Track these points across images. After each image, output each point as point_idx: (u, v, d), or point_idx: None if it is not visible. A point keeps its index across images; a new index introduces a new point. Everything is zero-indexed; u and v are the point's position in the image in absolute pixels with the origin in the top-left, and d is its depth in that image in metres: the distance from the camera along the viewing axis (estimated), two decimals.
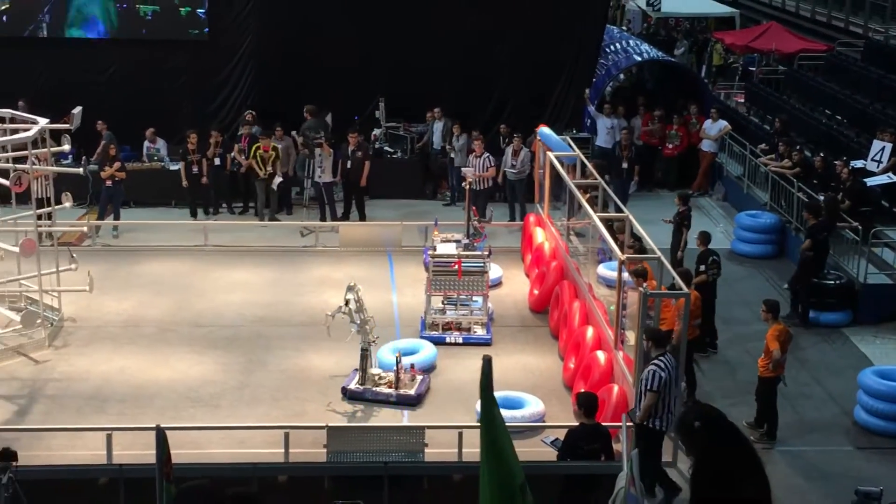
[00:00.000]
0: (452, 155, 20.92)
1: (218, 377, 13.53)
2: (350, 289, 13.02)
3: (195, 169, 19.94)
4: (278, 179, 19.74)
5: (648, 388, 10.81)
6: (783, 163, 19.64)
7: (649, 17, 36.38)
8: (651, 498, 10.84)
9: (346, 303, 12.94)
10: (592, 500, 9.86)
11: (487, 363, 4.83)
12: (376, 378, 12.99)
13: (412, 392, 12.78)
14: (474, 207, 17.44)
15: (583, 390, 10.59)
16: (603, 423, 10.60)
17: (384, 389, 12.85)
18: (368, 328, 13.00)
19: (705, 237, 15.04)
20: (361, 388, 12.91)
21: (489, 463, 4.69)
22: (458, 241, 15.96)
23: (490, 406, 4.77)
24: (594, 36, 22.44)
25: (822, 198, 17.09)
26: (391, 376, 12.90)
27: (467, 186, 16.99)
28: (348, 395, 12.89)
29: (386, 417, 12.45)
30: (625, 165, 20.41)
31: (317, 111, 20.99)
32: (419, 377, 13.09)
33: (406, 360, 13.33)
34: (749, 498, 3.90)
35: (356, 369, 13.01)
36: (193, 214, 20.07)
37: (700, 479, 4.09)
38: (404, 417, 12.53)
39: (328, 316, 12.92)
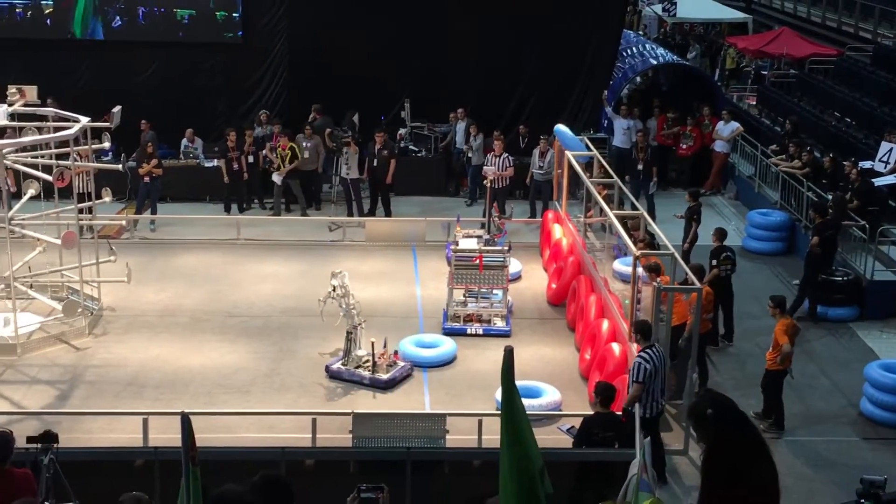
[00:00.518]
0: (470, 154, 20.93)
1: (249, 365, 13.59)
2: (335, 275, 13.25)
3: (235, 166, 20.00)
4: (278, 177, 19.70)
5: (634, 379, 10.87)
6: (793, 163, 19.53)
7: (665, 23, 36.24)
8: (662, 484, 10.83)
9: (333, 289, 13.15)
10: (606, 485, 9.86)
11: (509, 353, 4.84)
12: (360, 360, 13.14)
13: (384, 376, 12.92)
14: (495, 204, 17.44)
15: (601, 380, 10.59)
16: (617, 413, 10.58)
17: (361, 371, 13.03)
18: (354, 312, 13.21)
19: (721, 234, 14.96)
20: (343, 368, 13.13)
21: (510, 448, 4.70)
22: (479, 237, 15.96)
23: (511, 394, 4.78)
24: (611, 40, 22.37)
25: (830, 197, 16.99)
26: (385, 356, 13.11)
27: (488, 184, 16.99)
28: (329, 374, 13.17)
29: (410, 405, 12.46)
30: (640, 167, 20.29)
31: (323, 110, 21.13)
32: (400, 363, 13.19)
33: (426, 353, 13.51)
34: (757, 484, 3.89)
35: (342, 350, 13.15)
36: (227, 210, 20.14)
37: (711, 464, 4.09)
38: (426, 405, 12.56)
39: (320, 301, 13.19)
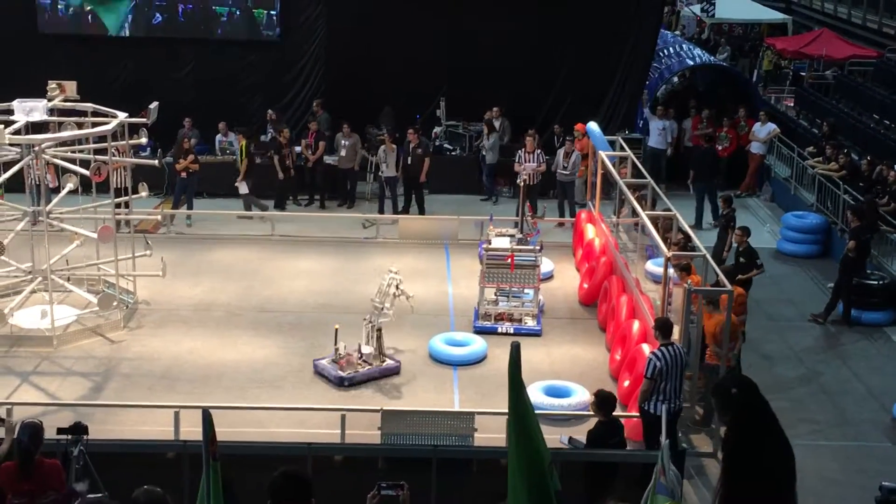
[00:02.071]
0: (484, 153, 20.92)
1: (281, 360, 13.63)
2: (392, 274, 13.33)
3: (287, 162, 20.11)
4: (242, 186, 19.65)
5: (645, 375, 10.82)
6: (830, 165, 19.32)
7: (703, 23, 35.95)
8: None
9: (397, 286, 13.20)
10: (619, 486, 9.89)
11: (516, 349, 4.86)
12: (355, 359, 13.10)
13: (343, 374, 12.85)
14: (529, 203, 17.37)
15: (600, 391, 10.46)
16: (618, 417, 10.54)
17: (329, 366, 13.04)
18: (390, 312, 13.23)
19: (747, 232, 14.92)
20: (324, 362, 13.14)
21: (518, 444, 4.69)
22: (511, 236, 15.90)
23: (519, 390, 4.78)
24: (648, 40, 22.22)
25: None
26: (352, 357, 13.04)
27: (522, 183, 16.93)
28: (315, 367, 13.24)
29: (440, 403, 12.43)
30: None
31: (324, 104, 21.29)
32: (372, 366, 13.04)
33: (457, 352, 13.52)
34: (774, 466, 3.89)
35: (336, 348, 13.08)
36: (282, 207, 20.25)
37: (732, 441, 4.11)
38: (455, 403, 12.53)
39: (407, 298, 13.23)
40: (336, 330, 13.13)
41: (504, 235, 15.95)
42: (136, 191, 15.20)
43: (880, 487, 5.15)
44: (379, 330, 13.23)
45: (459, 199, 21.07)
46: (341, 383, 12.87)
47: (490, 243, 15.28)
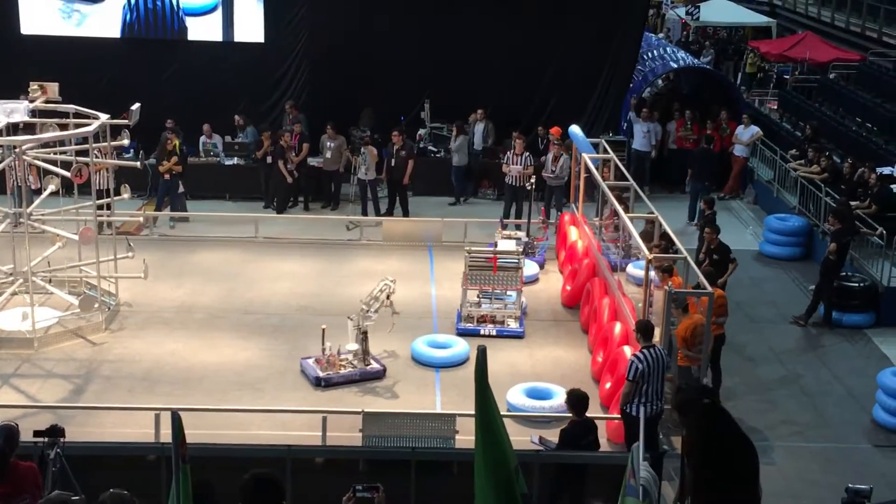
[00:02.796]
0: (450, 156, 20.95)
1: (263, 362, 13.60)
2: (386, 282, 13.30)
3: (290, 166, 20.16)
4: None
5: (627, 377, 10.83)
6: (812, 168, 19.39)
7: (688, 26, 36.07)
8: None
9: (388, 298, 13.21)
10: (590, 488, 9.90)
11: (482, 353, 4.86)
12: (337, 359, 13.14)
13: (321, 374, 12.89)
14: (543, 207, 17.33)
15: (573, 390, 10.44)
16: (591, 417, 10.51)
17: (311, 366, 13.09)
18: (371, 316, 13.24)
19: (718, 231, 15.02)
20: (309, 361, 13.19)
21: (485, 448, 4.69)
22: (518, 240, 15.90)
23: (485, 394, 4.78)
24: (633, 43, 22.26)
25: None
26: (337, 358, 13.11)
27: (511, 184, 16.96)
28: (301, 366, 13.29)
29: (422, 405, 12.42)
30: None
31: (297, 105, 21.35)
32: (355, 367, 13.07)
33: (439, 354, 13.54)
34: (741, 474, 3.91)
35: (323, 348, 13.13)
36: (282, 210, 20.26)
37: (691, 450, 4.15)
38: (437, 405, 12.53)
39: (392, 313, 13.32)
40: (323, 330, 13.13)
41: (511, 238, 15.95)
42: (118, 192, 15.14)
43: (846, 489, 5.17)
44: (364, 332, 13.22)
45: (444, 201, 21.10)
46: (318, 384, 12.89)
47: (497, 246, 15.31)
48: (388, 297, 13.28)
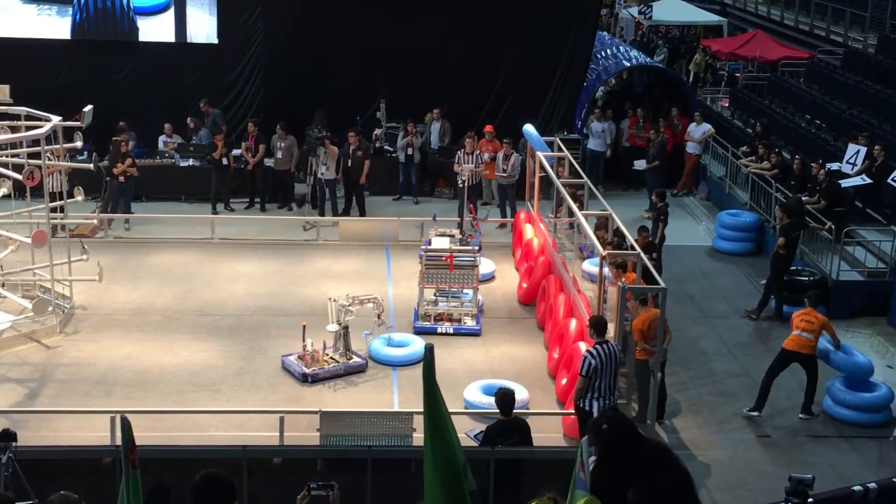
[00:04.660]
0: (395, 154, 21.00)
1: (220, 363, 13.55)
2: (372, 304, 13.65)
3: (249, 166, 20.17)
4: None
5: (580, 372, 10.90)
6: (762, 164, 19.62)
7: (641, 25, 36.33)
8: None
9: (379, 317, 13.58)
10: (523, 483, 9.95)
11: (430, 351, 4.88)
12: (321, 354, 13.26)
13: (307, 370, 13.00)
14: (472, 205, 17.42)
15: (500, 388, 10.47)
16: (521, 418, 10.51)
17: (295, 363, 13.20)
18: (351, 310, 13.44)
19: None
20: (291, 358, 13.28)
21: (433, 445, 4.71)
22: (452, 237, 15.92)
23: (433, 392, 4.80)
24: (586, 41, 22.38)
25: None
26: (318, 354, 13.23)
27: (462, 184, 17.00)
28: (283, 363, 13.39)
29: (380, 404, 12.44)
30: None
31: (212, 102, 21.39)
32: (338, 363, 13.19)
33: (396, 353, 13.64)
34: (661, 492, 3.95)
35: (304, 345, 13.25)
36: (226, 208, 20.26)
37: (598, 472, 4.23)
38: (395, 404, 12.55)
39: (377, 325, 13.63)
40: (304, 327, 13.22)
41: (445, 236, 15.96)
42: (71, 195, 14.98)
43: (789, 478, 5.24)
44: (346, 328, 13.29)
45: (400, 200, 21.11)
46: (305, 380, 12.97)
47: (430, 244, 15.31)
48: (379, 317, 13.54)
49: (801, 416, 12.81)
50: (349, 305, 13.36)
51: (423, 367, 4.96)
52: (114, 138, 19.04)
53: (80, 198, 15.13)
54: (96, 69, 21.41)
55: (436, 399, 4.80)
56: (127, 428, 4.61)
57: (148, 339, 14.19)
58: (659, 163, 21.02)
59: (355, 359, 13.38)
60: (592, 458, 4.23)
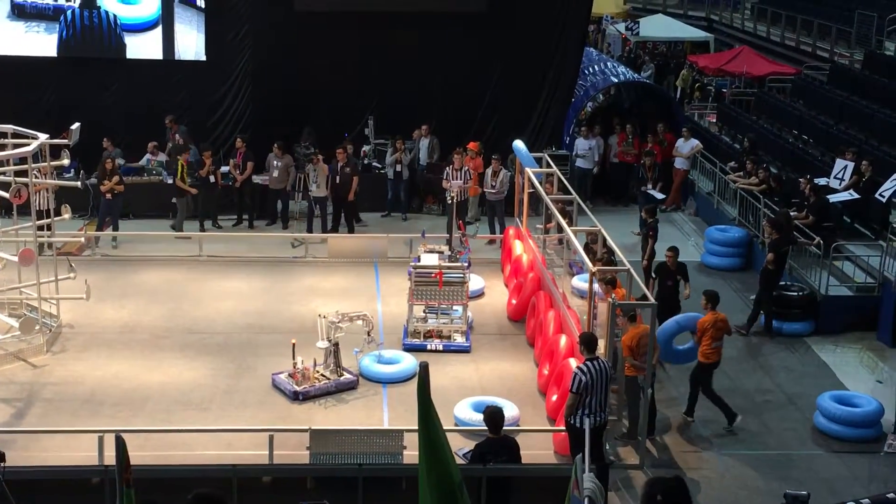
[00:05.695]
0: (384, 170, 21.05)
1: (208, 382, 13.50)
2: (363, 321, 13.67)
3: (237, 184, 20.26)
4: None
5: (570, 389, 10.89)
6: (750, 180, 19.70)
7: (628, 41, 36.51)
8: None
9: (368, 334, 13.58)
10: (514, 501, 9.90)
11: (424, 369, 4.86)
12: (312, 372, 13.25)
13: (298, 388, 12.98)
14: (460, 221, 17.44)
15: (488, 406, 10.44)
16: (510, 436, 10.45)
17: (285, 381, 13.19)
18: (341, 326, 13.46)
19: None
20: (281, 376, 13.27)
21: (428, 464, 4.70)
22: (440, 253, 15.91)
23: (428, 410, 4.78)
24: (574, 58, 22.47)
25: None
26: (308, 371, 13.22)
27: (450, 200, 17.01)
28: (273, 381, 13.37)
29: (370, 422, 12.41)
30: (649, 186, 20.60)
31: (174, 120, 21.25)
32: (329, 380, 13.19)
33: (386, 370, 13.60)
34: None
35: (294, 363, 13.25)
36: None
37: None
38: (385, 422, 12.52)
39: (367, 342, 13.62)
40: (294, 345, 13.18)
41: (434, 252, 15.96)
42: (58, 213, 14.94)
43: (784, 495, 5.25)
44: (336, 344, 13.27)
45: (389, 217, 21.12)
46: (296, 397, 12.92)
47: (419, 260, 15.31)
48: (368, 334, 13.54)
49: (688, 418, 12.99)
50: (339, 322, 13.36)
51: (417, 385, 4.94)
52: (104, 153, 19.00)
53: (67, 216, 15.08)
54: (83, 86, 21.39)
55: (431, 418, 4.79)
56: (122, 447, 4.59)
57: (136, 357, 14.14)
58: (663, 183, 21.08)
59: (346, 375, 13.37)
60: (588, 476, 4.22)
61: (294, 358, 13.16)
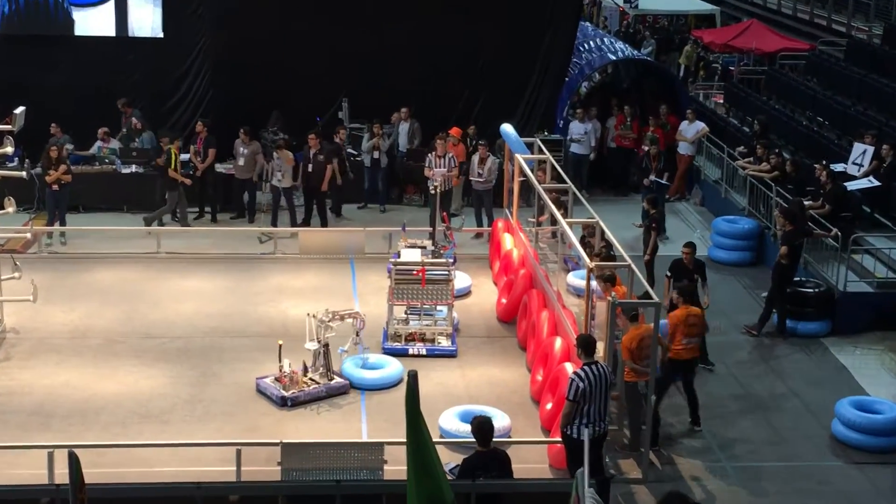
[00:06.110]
0: (360, 158, 21.06)
1: (168, 391, 13.49)
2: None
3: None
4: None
5: (567, 396, 10.92)
6: (761, 166, 19.76)
7: (627, 15, 36.57)
8: None
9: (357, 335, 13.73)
10: None
11: (413, 378, 4.86)
12: (300, 376, 13.32)
13: (286, 393, 13.05)
14: (444, 213, 17.44)
15: (476, 416, 10.45)
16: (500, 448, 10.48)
17: (272, 385, 13.28)
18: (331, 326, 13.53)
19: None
20: (266, 381, 13.36)
21: (419, 481, 4.70)
22: (423, 248, 15.89)
23: (417, 424, 4.79)
24: (567, 34, 22.49)
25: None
26: (297, 375, 13.28)
27: (433, 190, 17.01)
28: (258, 386, 13.46)
29: (347, 434, 12.41)
30: (653, 176, 20.60)
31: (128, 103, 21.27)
32: (319, 385, 13.27)
33: (370, 376, 13.66)
34: None
35: (280, 366, 13.32)
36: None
37: None
38: (363, 434, 12.53)
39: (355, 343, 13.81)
40: (280, 346, 13.23)
41: (416, 247, 15.92)
42: (1, 206, 14.88)
43: None
44: (326, 346, 13.31)
45: (366, 208, 21.12)
46: (284, 403, 13.00)
47: (400, 256, 15.30)
48: (357, 335, 13.65)
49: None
50: (329, 321, 13.34)
51: (406, 396, 4.94)
52: (50, 140, 18.94)
53: (10, 209, 15.01)
54: (28, 67, 21.28)
55: (421, 432, 4.80)
56: (75, 464, 4.59)
57: (88, 364, 14.11)
58: (669, 173, 21.06)
59: (337, 379, 13.39)
60: (590, 491, 4.24)
61: (280, 361, 13.16)
